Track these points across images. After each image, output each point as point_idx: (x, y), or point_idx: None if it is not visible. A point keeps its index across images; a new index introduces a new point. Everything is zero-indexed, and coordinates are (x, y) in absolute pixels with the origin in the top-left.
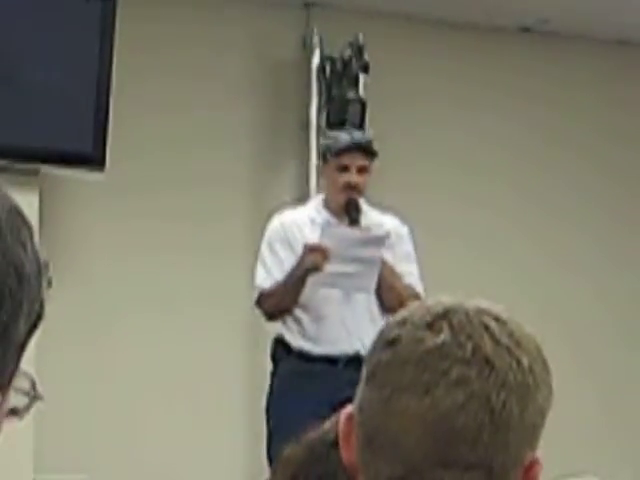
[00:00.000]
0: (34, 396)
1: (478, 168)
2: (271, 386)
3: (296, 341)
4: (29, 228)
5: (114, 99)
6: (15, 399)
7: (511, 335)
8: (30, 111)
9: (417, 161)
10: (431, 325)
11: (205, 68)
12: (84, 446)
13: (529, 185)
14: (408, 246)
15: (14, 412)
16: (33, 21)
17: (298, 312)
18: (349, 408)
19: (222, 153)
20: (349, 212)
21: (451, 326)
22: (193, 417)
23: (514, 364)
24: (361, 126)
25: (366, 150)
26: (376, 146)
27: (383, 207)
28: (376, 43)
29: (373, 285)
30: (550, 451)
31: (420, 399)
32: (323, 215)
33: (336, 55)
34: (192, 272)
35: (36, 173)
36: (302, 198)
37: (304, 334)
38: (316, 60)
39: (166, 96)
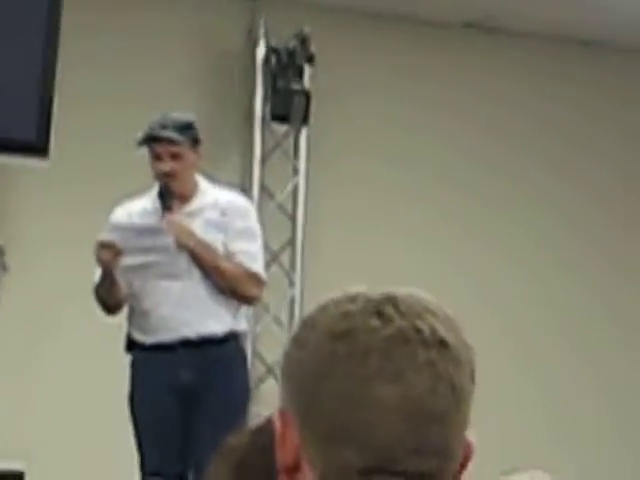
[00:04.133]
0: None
1: (420, 162)
2: (129, 378)
3: (134, 333)
4: None
5: (59, 86)
6: None
7: (445, 314)
8: None
9: (360, 154)
10: (380, 313)
11: (150, 57)
12: (23, 435)
13: (466, 179)
14: (246, 223)
15: None
16: None
17: (134, 305)
18: (279, 409)
19: None
20: (162, 199)
21: (400, 312)
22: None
23: (460, 341)
24: (305, 117)
25: (169, 140)
26: (187, 131)
27: (324, 201)
28: (322, 35)
29: (181, 270)
30: (494, 447)
31: (392, 386)
32: (156, 203)
33: (281, 46)
34: None
35: None
36: (245, 189)
37: (138, 325)
38: (261, 51)
39: (110, 85)
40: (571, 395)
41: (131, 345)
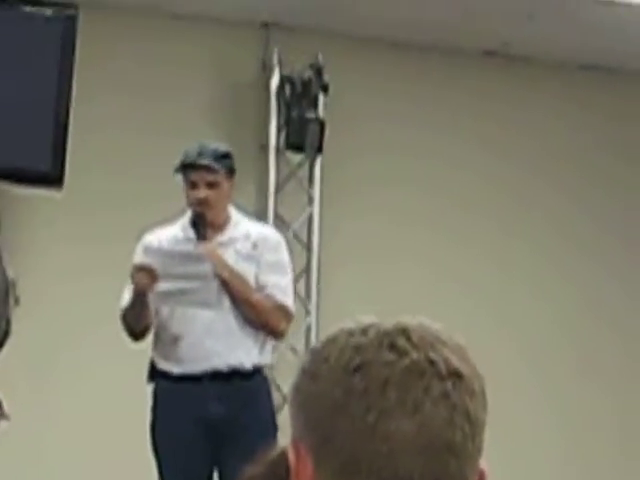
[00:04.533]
0: (1, 414)
1: (436, 191)
2: (151, 408)
3: (159, 362)
4: None
5: (74, 117)
6: None
7: (456, 343)
8: None
9: (375, 183)
10: (393, 345)
11: (165, 87)
12: (29, 465)
13: (483, 205)
14: (277, 256)
15: None
16: None
17: (160, 333)
18: (292, 441)
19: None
20: (196, 228)
21: (412, 344)
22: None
23: (473, 371)
24: (320, 147)
25: (207, 168)
26: (224, 161)
27: (339, 229)
28: (336, 64)
29: (214, 299)
30: (510, 470)
31: (410, 418)
32: (187, 232)
33: (295, 76)
34: None
35: None
36: (260, 218)
37: (165, 355)
38: (275, 80)
39: (124, 115)
40: (588, 417)
41: (154, 374)
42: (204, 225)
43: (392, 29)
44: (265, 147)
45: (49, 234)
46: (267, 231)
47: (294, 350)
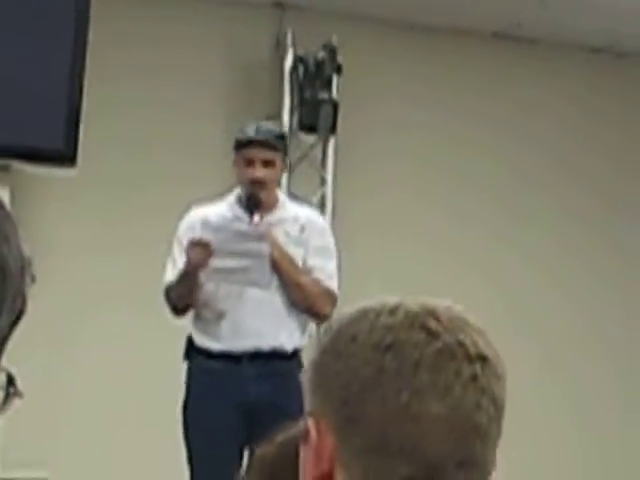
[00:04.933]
0: (13, 392)
1: (449, 170)
2: (185, 386)
3: (199, 339)
4: (13, 223)
5: (87, 96)
6: None
7: (480, 327)
8: (1, 107)
9: (388, 164)
10: (424, 326)
11: (177, 67)
12: (47, 443)
13: (499, 187)
14: (324, 240)
15: None
16: (4, 16)
17: (202, 309)
18: (312, 418)
19: (193, 152)
20: (248, 206)
21: (443, 326)
22: (159, 417)
23: (496, 355)
24: (333, 128)
25: (265, 144)
26: (280, 141)
27: (352, 209)
28: (350, 45)
29: (266, 279)
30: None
31: (441, 401)
32: (235, 210)
33: (309, 56)
34: (161, 270)
35: (7, 169)
36: None
37: (206, 331)
38: (289, 61)
39: (138, 94)
40: (602, 408)
41: (191, 351)
42: (257, 204)
43: (405, 10)
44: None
45: (62, 212)
46: (315, 215)
47: (312, 333)
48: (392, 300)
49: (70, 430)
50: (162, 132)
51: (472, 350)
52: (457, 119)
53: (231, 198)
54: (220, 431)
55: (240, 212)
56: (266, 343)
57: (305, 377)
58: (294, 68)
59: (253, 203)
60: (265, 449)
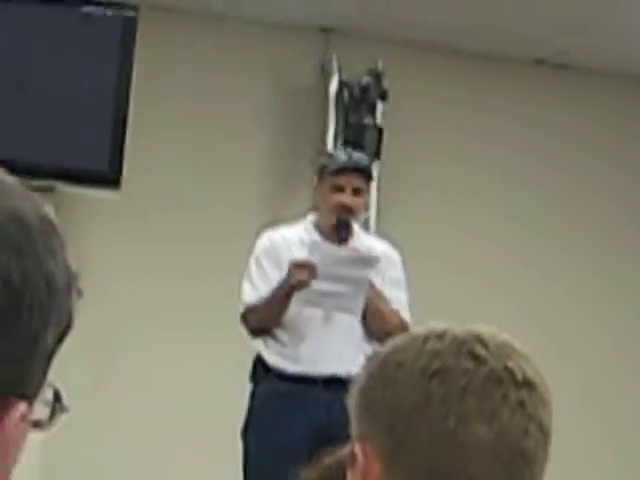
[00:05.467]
0: (60, 408)
1: (490, 199)
2: (250, 408)
3: (274, 360)
4: (60, 238)
5: (132, 118)
6: (39, 411)
7: (527, 354)
8: (47, 128)
9: (432, 190)
10: (471, 353)
11: (224, 91)
12: (93, 460)
13: (538, 216)
14: (398, 272)
15: (38, 424)
16: (52, 37)
17: (277, 330)
18: (360, 443)
19: (237, 176)
20: (339, 232)
21: (490, 352)
22: (200, 436)
23: (543, 381)
24: (377, 153)
25: (363, 172)
26: (373, 169)
27: (395, 236)
28: (395, 71)
29: (359, 307)
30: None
31: (488, 426)
32: (312, 235)
33: (354, 81)
34: (204, 293)
35: (52, 190)
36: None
37: (282, 353)
38: (334, 86)
39: (184, 118)
40: (632, 417)
41: (261, 372)
42: (347, 231)
43: (451, 36)
44: (323, 152)
45: (106, 234)
46: (389, 247)
47: None
48: (439, 326)
49: (116, 448)
50: (206, 154)
51: (519, 376)
52: (502, 147)
53: (307, 223)
54: (289, 454)
55: (317, 237)
56: (344, 368)
57: (352, 402)
58: (339, 93)
59: (344, 228)
60: (310, 472)
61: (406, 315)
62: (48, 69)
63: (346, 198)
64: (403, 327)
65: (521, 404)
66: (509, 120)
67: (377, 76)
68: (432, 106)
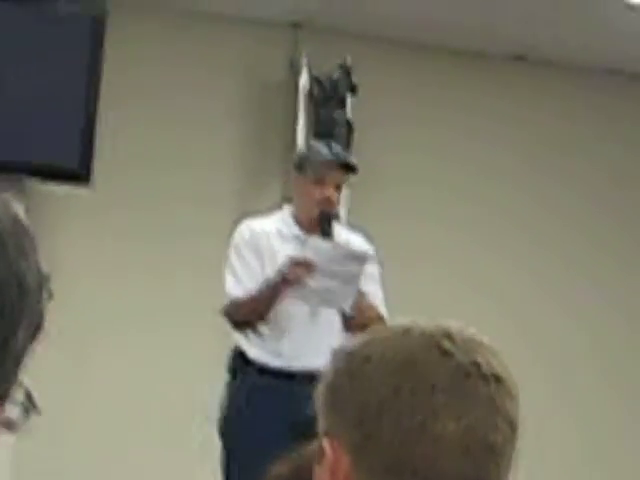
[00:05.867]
0: (31, 408)
1: (461, 193)
2: (227, 400)
3: (255, 353)
4: (31, 239)
5: (102, 114)
6: (10, 411)
7: (494, 348)
8: (16, 125)
9: (401, 184)
10: (439, 347)
11: (193, 86)
12: (62, 460)
13: (513, 211)
14: (373, 267)
15: (9, 425)
16: (21, 35)
17: (264, 325)
18: (328, 438)
19: (208, 171)
20: (322, 226)
21: (457, 346)
22: (175, 434)
23: (510, 376)
24: (348, 147)
25: (347, 167)
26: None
27: (364, 229)
28: (364, 65)
29: (349, 303)
30: None
31: (457, 421)
32: (292, 228)
33: (324, 76)
34: (176, 289)
35: (22, 187)
36: None
37: (264, 347)
38: (304, 81)
39: (154, 114)
40: (611, 430)
41: (241, 365)
42: (329, 224)
43: (420, 31)
44: (293, 147)
45: (76, 231)
46: (364, 242)
47: None
48: (405, 321)
49: (88, 449)
50: (177, 150)
51: (486, 370)
52: (472, 142)
53: (284, 214)
54: (269, 449)
55: (297, 230)
56: (322, 363)
57: (319, 398)
58: (309, 87)
59: (327, 222)
60: (279, 469)
61: (383, 309)
62: (18, 66)
63: (329, 192)
64: (380, 321)
65: (489, 398)
66: (479, 115)
67: (346, 70)
68: (403, 101)
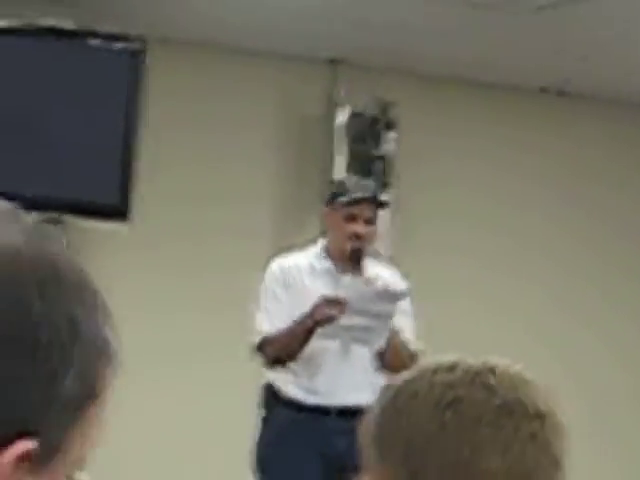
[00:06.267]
0: None
1: (503, 228)
2: (260, 436)
3: (288, 390)
4: (94, 294)
5: (142, 149)
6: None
7: (540, 385)
8: (56, 162)
9: (440, 220)
10: (484, 384)
11: (231, 121)
12: None
13: (552, 246)
14: (407, 302)
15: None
16: (61, 72)
17: (300, 362)
18: (373, 474)
19: (246, 206)
20: (353, 262)
21: (502, 383)
22: (211, 471)
23: (555, 412)
24: (385, 183)
25: (375, 201)
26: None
27: (409, 265)
28: (402, 101)
29: (381, 340)
30: None
31: (502, 457)
32: (323, 263)
33: (362, 112)
34: (217, 323)
35: (62, 224)
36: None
37: (297, 383)
38: (341, 116)
39: (192, 147)
40: None
41: (274, 401)
42: (360, 261)
43: (455, 67)
44: (330, 182)
45: (116, 267)
46: (397, 276)
47: None
48: (450, 358)
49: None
50: (215, 185)
51: (531, 408)
52: (511, 176)
53: (317, 249)
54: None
55: (328, 264)
56: (359, 399)
57: (365, 433)
58: (347, 123)
59: (358, 258)
60: None
61: (417, 346)
62: (57, 102)
63: (360, 228)
64: (413, 358)
65: (533, 436)
66: (518, 149)
67: (384, 106)
68: (439, 136)
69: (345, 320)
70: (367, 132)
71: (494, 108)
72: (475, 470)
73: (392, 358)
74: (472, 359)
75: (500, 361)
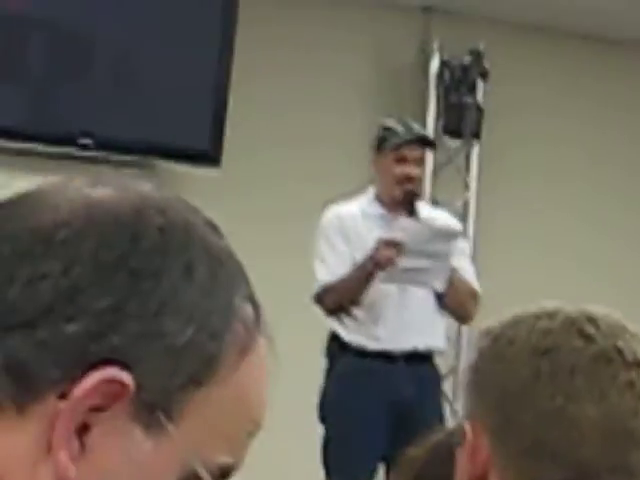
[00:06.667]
0: None
1: (592, 182)
2: (326, 385)
3: (351, 337)
4: (229, 269)
5: (232, 96)
6: None
7: (638, 334)
8: (149, 107)
9: (530, 171)
10: (582, 332)
11: (323, 69)
12: None
13: None
14: (463, 242)
15: None
16: (153, 19)
17: (362, 307)
18: (470, 421)
19: (336, 154)
20: (407, 204)
21: (600, 332)
22: (277, 419)
23: None
24: (477, 134)
25: (425, 142)
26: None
27: (494, 219)
28: (496, 51)
29: (442, 280)
30: None
31: (596, 406)
32: (375, 208)
33: (455, 61)
34: (301, 273)
35: (153, 168)
36: None
37: (359, 330)
38: (434, 66)
39: (283, 96)
40: None
41: (338, 349)
42: (414, 202)
43: (553, 16)
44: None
45: (205, 211)
46: (451, 218)
47: (449, 339)
48: (551, 305)
49: None
50: (307, 133)
51: (629, 356)
52: (603, 130)
53: (368, 195)
54: (368, 428)
55: (380, 210)
56: (423, 342)
57: (463, 380)
58: (439, 72)
59: (412, 200)
60: (415, 452)
61: (476, 284)
62: (149, 47)
63: (411, 169)
64: (474, 297)
65: (630, 384)
66: (611, 104)
67: (478, 56)
68: (534, 87)
69: (403, 262)
70: (460, 81)
71: (592, 61)
72: (569, 418)
73: (452, 296)
74: (572, 307)
75: (599, 309)
